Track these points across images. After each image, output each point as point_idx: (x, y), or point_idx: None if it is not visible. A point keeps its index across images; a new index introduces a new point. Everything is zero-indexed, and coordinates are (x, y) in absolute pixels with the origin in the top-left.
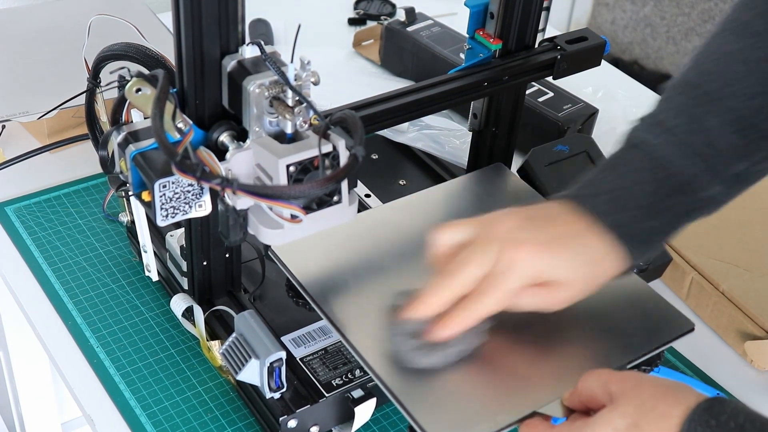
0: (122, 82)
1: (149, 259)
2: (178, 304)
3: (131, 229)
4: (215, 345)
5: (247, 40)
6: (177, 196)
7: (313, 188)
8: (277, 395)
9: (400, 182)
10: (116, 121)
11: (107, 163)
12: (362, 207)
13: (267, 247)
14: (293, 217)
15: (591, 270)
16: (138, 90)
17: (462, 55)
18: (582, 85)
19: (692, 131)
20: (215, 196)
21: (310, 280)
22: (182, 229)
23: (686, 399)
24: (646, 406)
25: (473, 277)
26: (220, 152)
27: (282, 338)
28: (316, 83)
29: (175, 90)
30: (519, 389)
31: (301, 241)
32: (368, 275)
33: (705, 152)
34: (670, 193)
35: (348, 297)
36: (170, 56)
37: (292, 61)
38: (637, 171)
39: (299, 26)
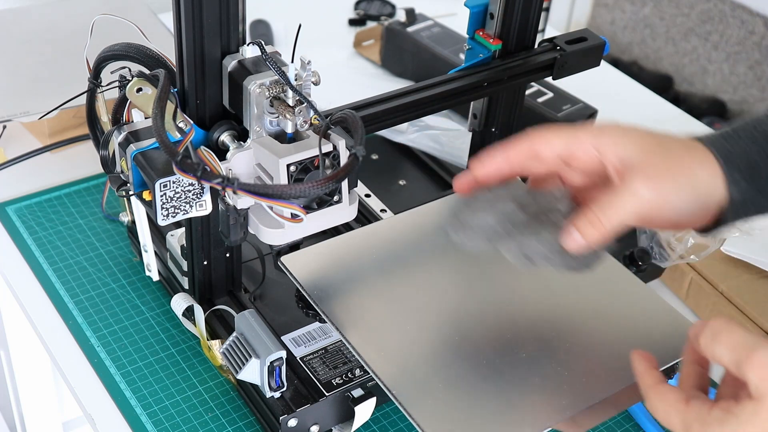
0: (123, 82)
1: (150, 259)
2: (179, 303)
3: (132, 229)
4: (215, 344)
5: (248, 40)
6: (178, 195)
7: (314, 188)
8: (277, 394)
9: (400, 182)
10: (117, 120)
11: (108, 163)
12: (362, 207)
13: (269, 247)
14: (294, 216)
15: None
16: (139, 90)
17: (462, 56)
18: (581, 85)
19: None
20: (216, 196)
21: (319, 291)
22: (183, 229)
23: None
24: None
25: None
26: (221, 152)
27: (282, 337)
28: (316, 83)
29: (175, 90)
30: (519, 393)
31: (310, 252)
32: (379, 286)
33: None
34: None
35: (358, 309)
36: (171, 56)
37: (292, 61)
38: None
39: (300, 26)
